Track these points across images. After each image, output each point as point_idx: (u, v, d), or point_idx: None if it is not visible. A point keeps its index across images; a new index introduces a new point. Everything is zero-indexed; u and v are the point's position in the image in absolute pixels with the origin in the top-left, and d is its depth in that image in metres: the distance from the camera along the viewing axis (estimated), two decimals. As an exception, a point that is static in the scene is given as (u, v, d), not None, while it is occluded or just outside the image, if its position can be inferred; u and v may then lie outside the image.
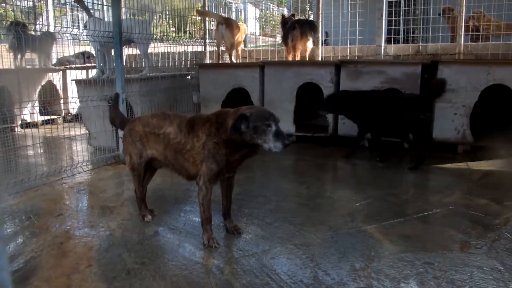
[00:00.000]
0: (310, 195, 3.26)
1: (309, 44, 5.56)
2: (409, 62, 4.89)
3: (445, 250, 2.31)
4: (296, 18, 5.87)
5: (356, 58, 6.05)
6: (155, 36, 5.86)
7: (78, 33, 4.90)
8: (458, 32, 5.46)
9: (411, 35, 6.26)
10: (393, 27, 6.06)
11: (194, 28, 7.73)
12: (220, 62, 6.08)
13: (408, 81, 4.61)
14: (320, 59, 6.04)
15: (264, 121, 2.12)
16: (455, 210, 2.89)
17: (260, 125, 2.11)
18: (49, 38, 7.00)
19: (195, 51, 7.28)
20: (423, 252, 2.29)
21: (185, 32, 6.11)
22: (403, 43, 6.28)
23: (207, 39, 7.12)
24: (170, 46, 6.55)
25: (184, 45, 6.96)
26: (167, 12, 7.16)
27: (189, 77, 6.11)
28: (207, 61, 7.04)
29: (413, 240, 2.45)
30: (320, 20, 6.05)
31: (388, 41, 6.03)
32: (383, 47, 5.72)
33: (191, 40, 7.42)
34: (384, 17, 5.50)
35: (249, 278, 2.04)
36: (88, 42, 5.41)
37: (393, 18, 6.08)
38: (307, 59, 5.64)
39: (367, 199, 3.14)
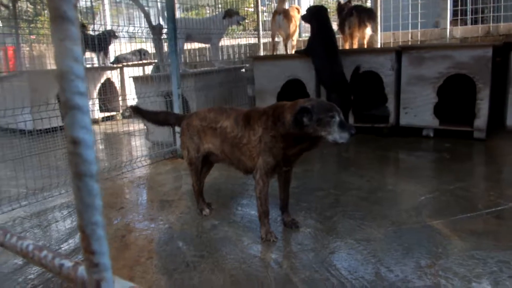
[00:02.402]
0: (371, 189, 3.20)
1: (368, 31, 5.42)
2: (478, 45, 4.62)
3: (522, 247, 2.18)
4: (353, 4, 5.74)
5: (419, 43, 5.81)
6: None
7: (134, 31, 5.11)
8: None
9: (480, 15, 5.91)
10: (459, 8, 5.75)
11: (247, 20, 7.79)
12: (274, 53, 6.08)
13: (477, 65, 4.37)
14: (379, 46, 5.87)
15: (327, 112, 2.12)
16: (534, 205, 2.72)
17: (324, 117, 2.11)
18: (107, 36, 7.35)
19: (249, 43, 7.34)
20: (496, 250, 2.17)
21: (238, 25, 6.15)
22: (471, 24, 5.95)
23: (261, 31, 7.15)
24: (223, 40, 6.65)
25: (238, 37, 7.03)
26: (219, 6, 7.26)
27: (243, 70, 6.18)
28: (261, 53, 7.07)
29: (485, 236, 2.33)
30: (379, 3, 5.87)
31: (454, 22, 5.74)
32: (448, 30, 5.45)
33: (244, 33, 7.49)
34: (449, -3, 5.24)
35: (308, 273, 2.04)
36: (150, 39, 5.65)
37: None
38: (365, 46, 5.51)
39: (433, 193, 3.02)
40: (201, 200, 2.87)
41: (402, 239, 2.35)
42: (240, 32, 7.73)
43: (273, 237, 2.39)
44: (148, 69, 7.69)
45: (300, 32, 7.25)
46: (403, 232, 2.43)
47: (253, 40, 7.37)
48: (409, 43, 5.91)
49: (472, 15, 5.92)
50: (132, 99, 4.88)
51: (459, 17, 5.75)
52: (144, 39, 8.46)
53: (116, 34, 7.32)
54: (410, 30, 5.90)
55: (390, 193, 3.10)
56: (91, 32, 7.43)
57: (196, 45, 7.16)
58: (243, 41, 7.40)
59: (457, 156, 3.97)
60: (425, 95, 4.64)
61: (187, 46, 6.92)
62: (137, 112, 2.99)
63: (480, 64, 4.37)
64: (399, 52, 4.83)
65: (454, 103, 5.16)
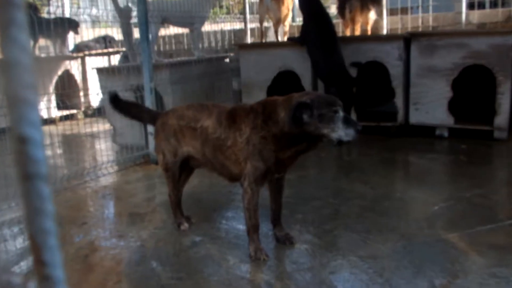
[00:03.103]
0: (376, 197, 3.23)
1: (371, 15, 5.48)
2: (498, 32, 4.70)
3: (550, 263, 2.22)
4: (353, -16, 5.79)
5: (430, 29, 5.89)
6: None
7: (97, 14, 5.09)
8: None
9: (500, -2, 6.02)
10: (476, -12, 5.85)
11: (231, 1, 7.81)
12: (263, 41, 6.11)
13: (497, 55, 4.43)
14: (385, 32, 5.93)
15: (330, 106, 2.15)
16: (562, 214, 2.77)
17: (327, 112, 2.14)
18: (65, 22, 7.29)
19: (234, 29, 7.35)
20: (521, 266, 2.21)
21: (221, 7, 6.18)
22: (490, 7, 6.05)
23: (248, 14, 7.17)
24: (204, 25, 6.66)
25: (221, 22, 7.04)
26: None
27: (228, 60, 6.19)
28: (248, 40, 7.09)
29: (508, 251, 2.36)
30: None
31: (471, 6, 5.83)
32: (464, 14, 5.54)
33: (228, 16, 7.50)
34: (465, -24, 5.33)
35: (305, 296, 2.06)
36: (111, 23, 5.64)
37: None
38: (369, 33, 5.56)
39: (448, 201, 3.07)
40: (178, 213, 2.87)
41: (413, 255, 2.37)
42: (223, 16, 7.75)
43: (264, 255, 2.40)
44: (115, 59, 7.65)
45: (293, 16, 7.29)
46: (414, 247, 2.45)
47: (238, 25, 7.39)
48: (419, 29, 5.99)
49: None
50: (95, 95, 4.85)
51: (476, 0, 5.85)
52: (110, 24, 8.42)
53: (76, 19, 7.26)
54: (420, 14, 5.98)
55: (398, 202, 3.13)
56: (45, 16, 7.37)
57: (172, 30, 7.16)
58: (227, 26, 7.41)
59: (475, 158, 4.02)
60: (438, 89, 4.70)
61: (162, 32, 6.91)
62: (113, 100, 2.97)
63: (500, 53, 4.44)
64: (408, 39, 4.89)
65: (471, 98, 5.23)
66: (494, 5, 6.18)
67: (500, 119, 4.49)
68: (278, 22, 5.90)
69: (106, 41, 8.25)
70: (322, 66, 4.78)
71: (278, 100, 2.31)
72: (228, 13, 8.19)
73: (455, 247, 2.44)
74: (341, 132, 2.15)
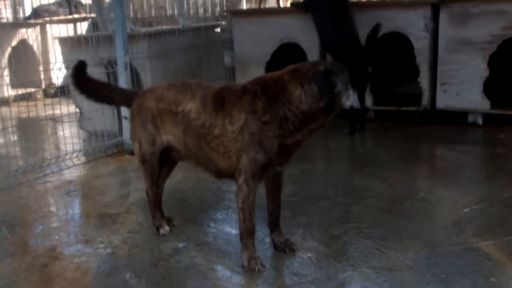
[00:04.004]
0: (395, 197, 3.23)
1: (392, -26, 5.45)
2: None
3: None
4: None
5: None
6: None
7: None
8: None
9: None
10: None
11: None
12: (262, 7, 6.08)
13: (544, 25, 4.43)
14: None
15: (343, 70, 2.29)
16: None
17: (346, 78, 2.28)
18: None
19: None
20: None
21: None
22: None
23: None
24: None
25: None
26: None
27: (219, 30, 6.16)
28: (244, 6, 7.06)
29: (552, 262, 2.38)
30: None
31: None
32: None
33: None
34: None
35: (308, 315, 2.07)
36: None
37: None
38: (390, -3, 5.54)
39: (480, 203, 3.07)
40: (158, 214, 2.87)
41: (439, 267, 2.38)
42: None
43: (259, 264, 2.41)
44: (82, 27, 7.60)
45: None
46: (440, 258, 2.46)
47: (231, -13, 7.36)
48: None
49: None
50: (58, 70, 4.80)
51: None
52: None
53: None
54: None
55: (422, 203, 3.14)
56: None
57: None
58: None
59: (514, 151, 4.04)
60: (472, 66, 4.70)
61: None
62: (77, 76, 2.93)
63: (548, 23, 4.44)
64: (436, 6, 4.87)
65: (512, 78, 5.24)
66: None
67: (546, 103, 4.50)
68: (279, -17, 5.88)
69: (70, 5, 8.19)
70: (331, 38, 4.76)
71: (282, 76, 2.31)
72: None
73: (489, 257, 2.44)
74: (352, 97, 2.31)
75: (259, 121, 2.29)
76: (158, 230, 2.83)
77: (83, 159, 4.32)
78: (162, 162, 2.76)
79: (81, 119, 4.96)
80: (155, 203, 2.85)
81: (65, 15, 8.01)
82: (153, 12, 7.58)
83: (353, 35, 4.69)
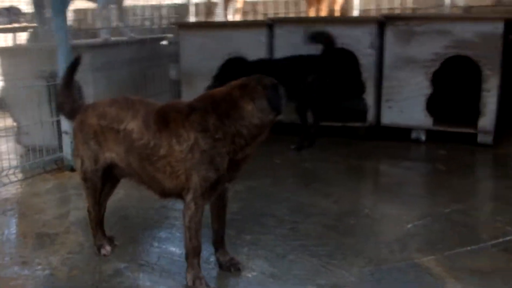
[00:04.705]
0: (341, 213, 3.29)
1: (340, -8, 5.57)
2: (485, 17, 4.87)
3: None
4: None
5: (409, 11, 6.04)
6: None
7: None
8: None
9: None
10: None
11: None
12: (209, 20, 6.10)
13: (484, 45, 4.58)
14: (355, 14, 6.04)
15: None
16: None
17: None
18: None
19: (174, 3, 7.30)
20: (505, 296, 2.31)
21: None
22: (478, -12, 6.26)
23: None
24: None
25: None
26: None
27: (165, 42, 6.14)
28: (191, 18, 7.06)
29: (491, 277, 2.46)
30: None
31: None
32: (447, -5, 5.72)
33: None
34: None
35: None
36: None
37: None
38: (337, 14, 5.65)
39: (423, 219, 3.16)
40: (99, 233, 2.82)
41: (383, 283, 2.43)
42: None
43: (204, 285, 2.40)
44: (22, 37, 7.45)
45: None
46: (384, 274, 2.51)
47: (180, -1, 7.34)
48: (396, 12, 6.13)
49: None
50: (-4, 82, 4.71)
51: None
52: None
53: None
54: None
55: (367, 220, 3.20)
56: None
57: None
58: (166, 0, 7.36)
59: (455, 167, 4.16)
60: (416, 83, 4.83)
61: (81, 4, 6.79)
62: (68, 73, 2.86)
63: (487, 43, 4.59)
64: (382, 23, 4.99)
65: (453, 95, 5.38)
66: (482, -15, 6.39)
67: (486, 121, 4.65)
68: (228, -3, 5.91)
69: (10, 13, 8.02)
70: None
71: (231, 92, 2.34)
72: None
73: (431, 272, 2.51)
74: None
75: (211, 138, 2.30)
76: (99, 250, 2.79)
77: (20, 175, 4.21)
78: (104, 180, 2.71)
79: (18, 133, 4.85)
80: (97, 222, 2.80)
81: (4, 24, 7.83)
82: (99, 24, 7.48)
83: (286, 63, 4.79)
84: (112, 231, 2.98)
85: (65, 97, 2.84)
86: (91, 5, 6.96)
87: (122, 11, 5.69)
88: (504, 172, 4.00)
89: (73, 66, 2.87)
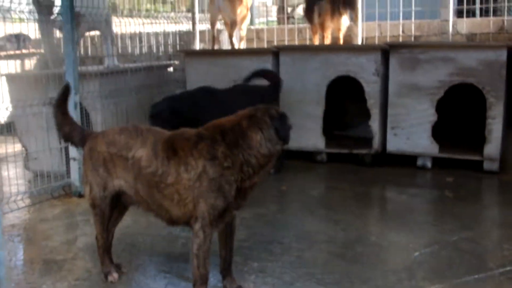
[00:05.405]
0: (348, 241, 3.29)
1: (344, 20, 5.60)
2: (489, 45, 4.90)
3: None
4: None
5: (413, 39, 6.08)
6: (121, 9, 5.95)
7: (9, 7, 5.00)
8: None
9: (491, 5, 6.29)
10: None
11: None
12: (215, 47, 6.15)
13: (487, 72, 4.61)
14: (360, 41, 6.09)
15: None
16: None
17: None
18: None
19: (180, 31, 7.35)
20: (513, 325, 2.30)
21: (164, 2, 6.18)
22: (481, 16, 6.31)
23: (197, 13, 7.19)
24: (143, 24, 6.64)
25: (164, 22, 7.03)
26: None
27: (171, 69, 6.18)
28: (197, 46, 7.11)
29: (499, 307, 2.46)
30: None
31: (459, 13, 6.07)
32: (451, 23, 5.76)
33: (173, 14, 7.49)
34: (452, -20, 5.56)
35: None
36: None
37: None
38: (341, 41, 5.69)
39: (430, 247, 3.15)
40: (107, 260, 2.82)
41: (390, 312, 2.43)
42: (167, 13, 7.76)
43: (211, 313, 2.41)
44: (31, 64, 7.51)
45: (252, 18, 7.35)
46: (391, 303, 2.51)
47: (186, 27, 7.40)
48: (400, 39, 6.17)
49: (481, 4, 6.29)
50: (4, 109, 4.72)
51: (465, 6, 6.08)
52: (25, 19, 8.27)
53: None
54: (401, 21, 6.15)
55: (374, 248, 3.19)
56: None
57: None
58: (172, 27, 7.41)
59: (462, 194, 4.16)
60: (421, 110, 4.85)
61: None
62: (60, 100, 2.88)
63: (491, 70, 4.63)
64: (386, 51, 5.03)
65: (459, 122, 5.40)
66: (485, 12, 6.43)
67: (491, 148, 4.65)
68: (233, 25, 5.94)
69: (19, 40, 8.10)
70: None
71: (240, 122, 2.38)
72: (173, 10, 8.20)
73: (438, 302, 2.51)
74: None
75: (220, 166, 2.34)
76: (106, 277, 2.78)
77: (28, 201, 4.22)
78: (113, 207, 2.73)
79: (26, 159, 4.87)
80: (105, 248, 2.80)
81: (13, 50, 7.90)
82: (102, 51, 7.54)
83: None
84: (120, 258, 2.99)
85: (69, 126, 2.86)
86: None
87: (107, 38, 5.60)
88: (510, 199, 3.99)
89: (64, 95, 2.89)
